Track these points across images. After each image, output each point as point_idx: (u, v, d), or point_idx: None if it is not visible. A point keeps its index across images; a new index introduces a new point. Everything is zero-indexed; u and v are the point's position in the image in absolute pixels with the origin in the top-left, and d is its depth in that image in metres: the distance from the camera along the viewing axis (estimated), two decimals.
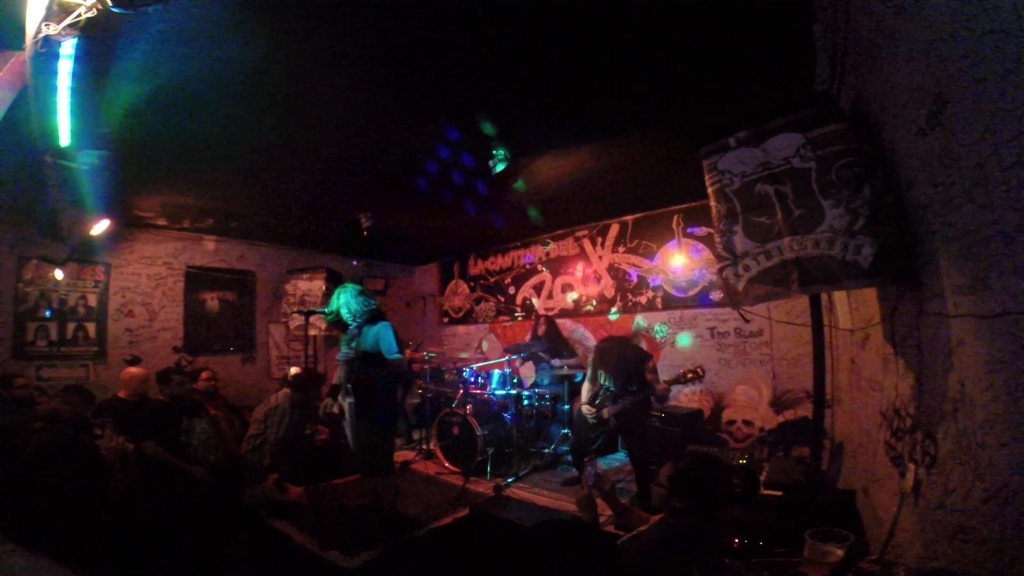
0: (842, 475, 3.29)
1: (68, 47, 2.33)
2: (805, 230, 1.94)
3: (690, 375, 3.76)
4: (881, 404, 2.21)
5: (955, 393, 1.37)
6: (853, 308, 2.99)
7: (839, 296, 3.24)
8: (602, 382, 4.22)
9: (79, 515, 2.72)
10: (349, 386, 3.80)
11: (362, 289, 3.98)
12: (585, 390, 4.39)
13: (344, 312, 3.86)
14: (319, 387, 5.34)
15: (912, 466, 1.67)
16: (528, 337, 6.27)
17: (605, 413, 4.02)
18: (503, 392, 5.45)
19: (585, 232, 7.00)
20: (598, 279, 6.84)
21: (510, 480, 4.71)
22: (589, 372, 4.39)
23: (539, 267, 7.62)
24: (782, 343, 5.09)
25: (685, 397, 5.78)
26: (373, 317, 3.85)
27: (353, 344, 3.82)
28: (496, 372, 5.67)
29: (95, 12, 2.18)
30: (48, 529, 2.53)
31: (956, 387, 1.37)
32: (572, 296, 7.17)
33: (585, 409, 4.17)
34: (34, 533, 2.43)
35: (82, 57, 2.43)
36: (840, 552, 1.49)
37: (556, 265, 7.40)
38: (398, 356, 3.81)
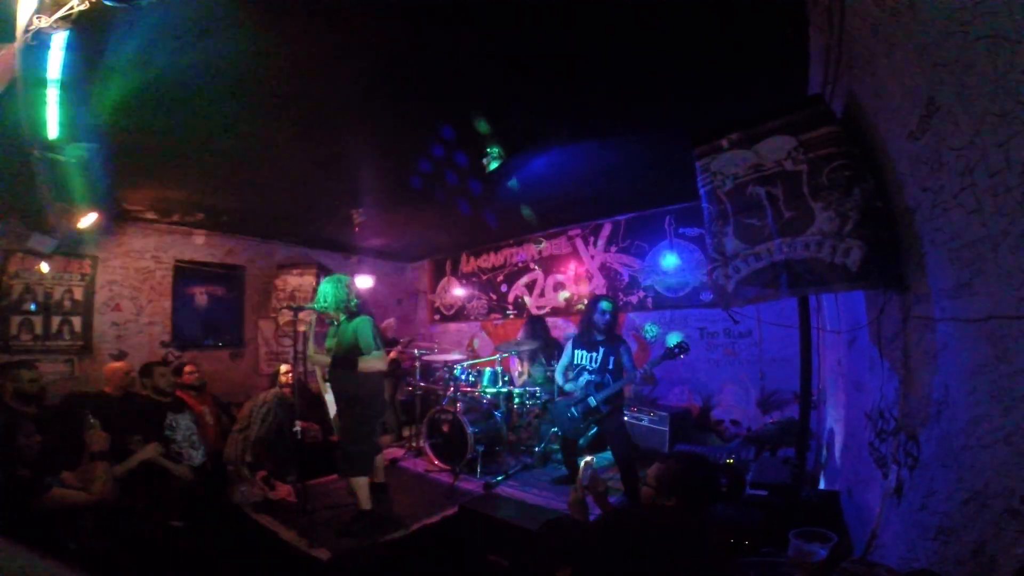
0: (827, 475, 3.33)
1: (59, 40, 2.29)
2: (795, 232, 1.95)
3: (676, 350, 3.78)
4: (866, 405, 2.23)
5: (939, 396, 1.39)
6: (841, 310, 3.02)
7: (827, 298, 3.27)
8: (579, 362, 4.19)
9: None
10: (327, 382, 3.73)
11: (348, 281, 3.87)
12: (560, 377, 4.35)
13: (328, 302, 3.72)
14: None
15: (895, 467, 1.69)
16: (519, 335, 6.24)
17: (592, 402, 3.97)
18: (494, 390, 5.44)
19: (578, 231, 7.01)
20: (590, 278, 6.86)
21: (500, 478, 4.70)
22: (566, 357, 4.34)
23: (532, 265, 7.63)
24: (770, 344, 5.14)
25: (674, 396, 5.82)
26: (356, 311, 3.72)
27: (334, 338, 3.73)
28: (487, 370, 5.66)
29: (87, 5, 2.15)
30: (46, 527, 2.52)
31: (940, 390, 1.38)
32: (564, 295, 7.18)
33: (567, 404, 4.12)
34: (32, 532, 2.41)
35: (73, 50, 2.39)
36: (824, 552, 1.50)
37: (548, 263, 7.42)
38: (375, 354, 3.54)
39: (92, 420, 3.19)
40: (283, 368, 5.13)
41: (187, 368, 4.98)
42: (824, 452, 3.60)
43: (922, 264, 1.50)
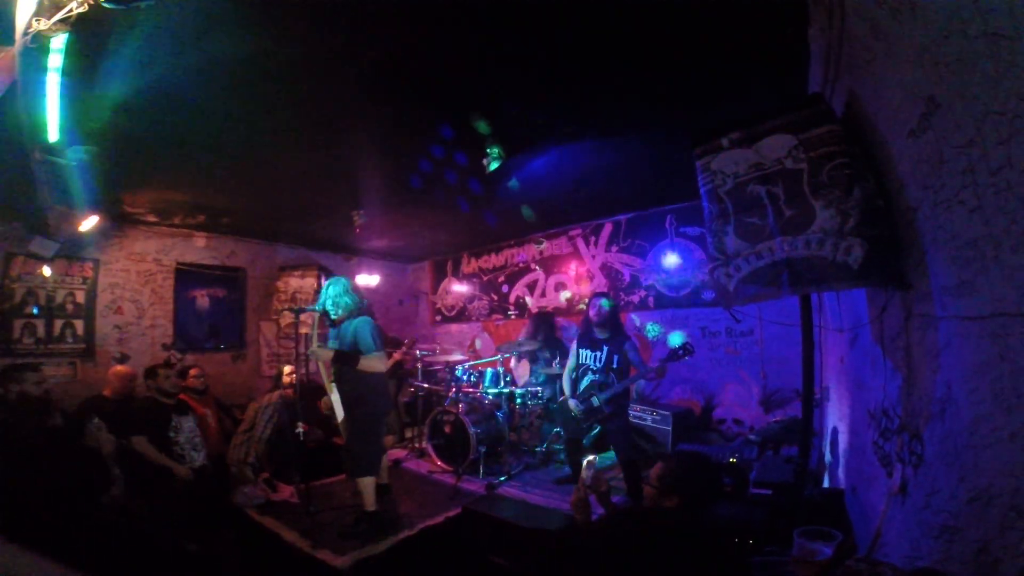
0: (830, 474, 3.32)
1: (58, 42, 2.29)
2: (796, 231, 1.95)
3: (681, 351, 3.77)
4: (869, 404, 2.23)
5: (942, 394, 1.39)
6: (843, 308, 3.01)
7: (829, 296, 3.26)
8: (584, 362, 4.17)
9: (76, 511, 2.71)
10: (333, 383, 3.75)
11: (352, 284, 3.90)
12: (567, 378, 4.34)
13: (329, 305, 3.76)
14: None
15: (899, 466, 1.69)
16: (522, 335, 6.24)
17: (595, 402, 3.95)
18: (496, 391, 5.45)
19: (579, 231, 7.01)
20: (591, 278, 6.85)
21: (502, 479, 4.71)
22: (572, 359, 4.33)
23: (532, 265, 7.63)
24: (772, 343, 5.13)
25: (676, 396, 5.82)
26: (357, 313, 3.75)
27: (335, 339, 3.76)
28: (489, 370, 5.66)
29: (86, 7, 2.15)
30: (44, 525, 2.52)
31: (943, 388, 1.38)
32: (565, 295, 7.18)
33: (572, 405, 4.11)
34: (30, 530, 2.41)
35: (72, 52, 2.39)
36: (828, 551, 1.50)
37: (549, 263, 7.42)
38: (374, 354, 3.58)
39: (97, 422, 3.21)
40: (286, 369, 5.14)
41: (192, 371, 5.00)
42: (827, 451, 3.60)
43: (923, 262, 1.49)
